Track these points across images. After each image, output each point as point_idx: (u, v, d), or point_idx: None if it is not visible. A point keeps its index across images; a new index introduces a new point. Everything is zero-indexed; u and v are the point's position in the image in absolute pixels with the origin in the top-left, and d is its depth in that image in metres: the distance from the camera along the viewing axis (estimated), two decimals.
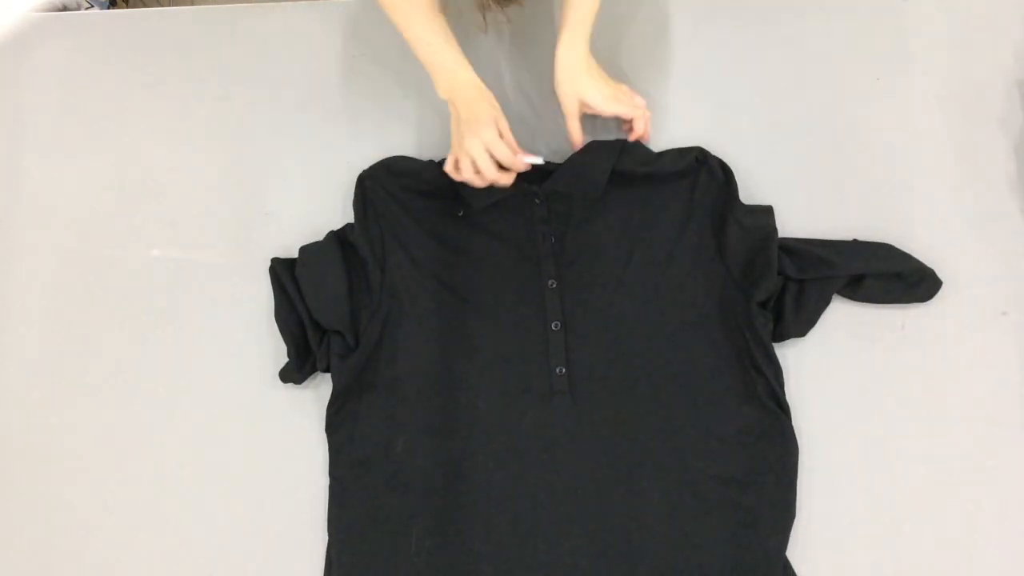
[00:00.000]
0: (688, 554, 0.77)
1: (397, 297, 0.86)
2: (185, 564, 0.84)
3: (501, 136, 0.84)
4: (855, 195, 0.91)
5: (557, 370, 0.82)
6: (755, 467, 0.79)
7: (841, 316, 0.86)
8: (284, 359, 0.87)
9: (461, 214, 0.89)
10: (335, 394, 0.84)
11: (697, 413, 0.80)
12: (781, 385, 0.82)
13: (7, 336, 0.95)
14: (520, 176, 0.87)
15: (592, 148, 0.90)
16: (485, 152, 0.82)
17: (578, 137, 0.89)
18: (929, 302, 0.86)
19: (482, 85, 0.86)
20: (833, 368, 0.85)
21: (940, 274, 0.85)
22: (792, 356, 0.85)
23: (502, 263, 0.86)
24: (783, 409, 0.81)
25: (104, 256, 0.97)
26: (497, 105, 0.86)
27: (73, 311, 0.95)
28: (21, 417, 0.91)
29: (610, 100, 0.87)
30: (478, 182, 0.83)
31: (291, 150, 0.98)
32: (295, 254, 0.89)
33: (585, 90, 0.87)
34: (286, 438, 0.87)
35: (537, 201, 0.88)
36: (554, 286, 0.85)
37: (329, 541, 0.81)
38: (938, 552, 0.79)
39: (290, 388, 0.88)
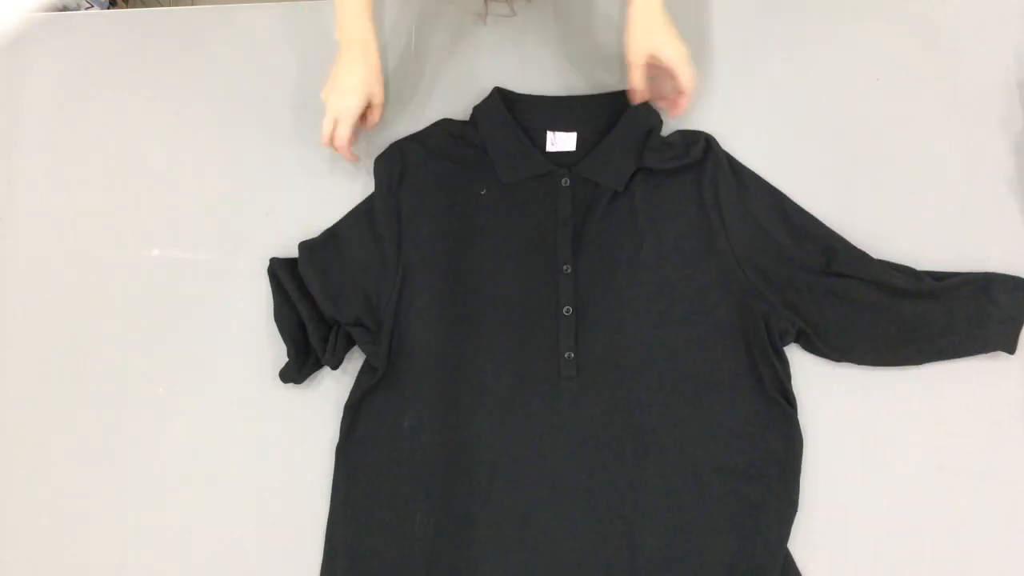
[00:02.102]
0: (689, 543, 0.77)
1: (410, 274, 0.86)
2: (185, 561, 0.84)
3: (369, 107, 0.89)
4: (855, 195, 0.90)
5: (566, 355, 0.82)
6: (759, 458, 0.79)
7: None
8: (284, 359, 0.87)
9: (484, 192, 0.89)
10: (365, 380, 0.84)
11: (703, 403, 0.81)
12: (788, 377, 0.82)
13: (7, 336, 0.95)
14: (550, 158, 0.89)
15: (621, 138, 0.89)
16: (331, 121, 0.87)
17: (641, 87, 0.87)
18: None
19: (373, 46, 0.88)
20: (837, 364, 0.84)
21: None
22: (797, 351, 0.85)
23: (519, 245, 0.87)
24: (789, 401, 0.81)
25: (104, 256, 0.97)
26: (379, 75, 0.89)
27: (73, 311, 0.95)
28: (21, 417, 0.91)
29: (684, 59, 0.85)
30: (324, 136, 0.88)
31: (291, 150, 0.98)
32: (295, 254, 0.90)
33: (661, 43, 0.84)
34: (286, 438, 0.87)
35: (564, 183, 0.88)
36: (569, 271, 0.85)
37: (331, 517, 0.82)
38: (938, 548, 0.79)
39: (290, 388, 0.88)
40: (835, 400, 0.83)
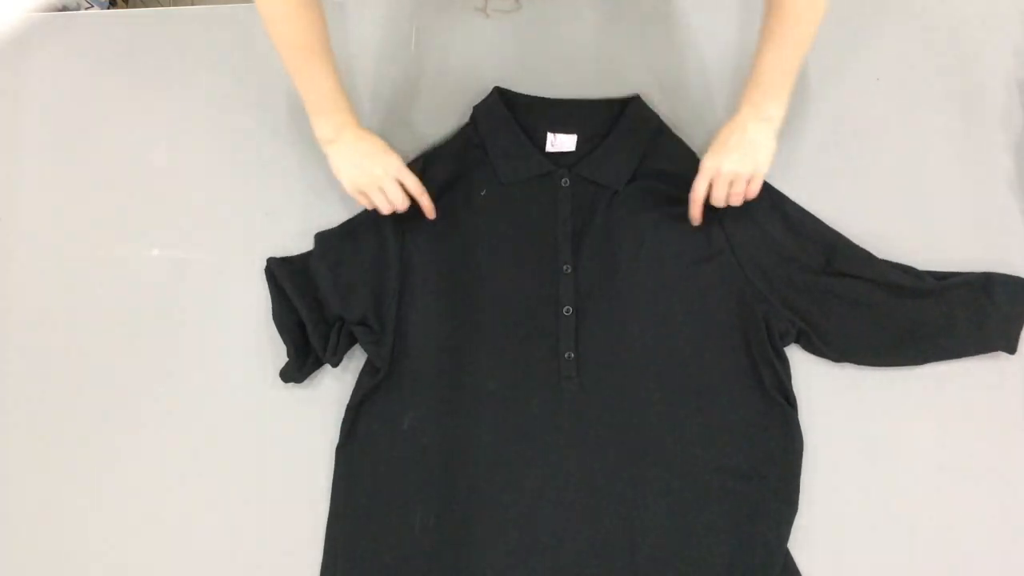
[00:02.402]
0: (689, 543, 0.77)
1: (412, 274, 0.86)
2: (185, 561, 0.84)
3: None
4: (855, 195, 0.91)
5: (566, 355, 0.82)
6: (759, 459, 0.79)
7: None
8: (284, 359, 0.87)
9: (484, 192, 0.89)
10: (367, 381, 0.84)
11: (703, 403, 0.81)
12: (789, 377, 0.82)
13: (7, 336, 0.95)
14: (549, 158, 0.89)
15: (622, 140, 0.89)
16: (395, 182, 0.84)
17: (697, 195, 0.83)
18: None
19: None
20: (837, 364, 0.84)
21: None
22: (797, 351, 0.85)
23: (519, 245, 0.87)
24: (789, 402, 0.81)
25: (104, 256, 0.97)
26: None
27: (73, 311, 0.95)
28: (21, 417, 0.91)
29: (705, 178, 0.81)
30: (386, 209, 0.84)
31: (291, 150, 0.98)
32: (295, 253, 0.90)
33: (710, 153, 0.82)
34: (286, 437, 0.87)
35: (564, 183, 0.88)
36: (569, 271, 0.85)
37: (331, 517, 0.82)
38: (938, 548, 0.79)
39: (290, 388, 0.88)
40: (835, 400, 0.83)
